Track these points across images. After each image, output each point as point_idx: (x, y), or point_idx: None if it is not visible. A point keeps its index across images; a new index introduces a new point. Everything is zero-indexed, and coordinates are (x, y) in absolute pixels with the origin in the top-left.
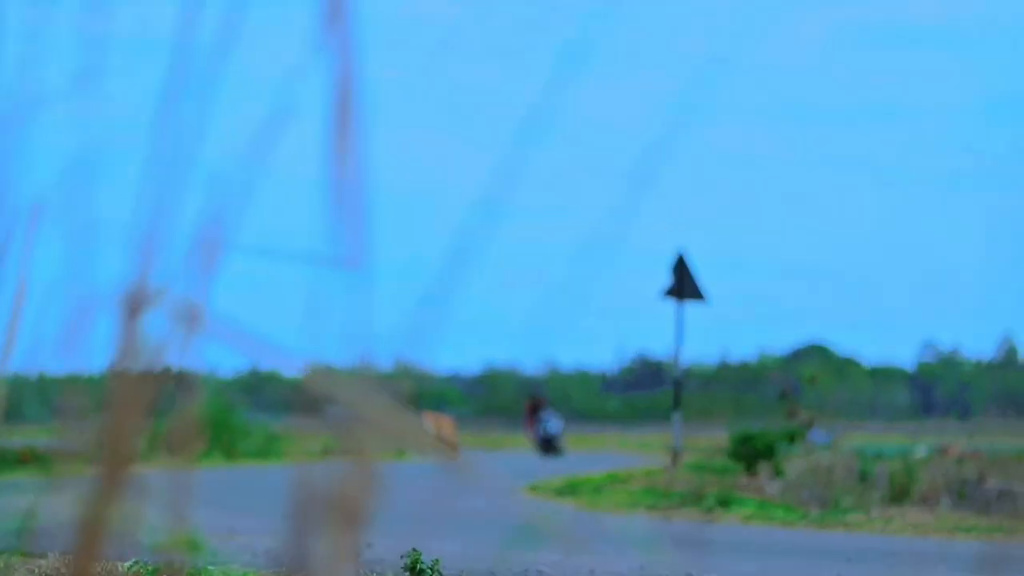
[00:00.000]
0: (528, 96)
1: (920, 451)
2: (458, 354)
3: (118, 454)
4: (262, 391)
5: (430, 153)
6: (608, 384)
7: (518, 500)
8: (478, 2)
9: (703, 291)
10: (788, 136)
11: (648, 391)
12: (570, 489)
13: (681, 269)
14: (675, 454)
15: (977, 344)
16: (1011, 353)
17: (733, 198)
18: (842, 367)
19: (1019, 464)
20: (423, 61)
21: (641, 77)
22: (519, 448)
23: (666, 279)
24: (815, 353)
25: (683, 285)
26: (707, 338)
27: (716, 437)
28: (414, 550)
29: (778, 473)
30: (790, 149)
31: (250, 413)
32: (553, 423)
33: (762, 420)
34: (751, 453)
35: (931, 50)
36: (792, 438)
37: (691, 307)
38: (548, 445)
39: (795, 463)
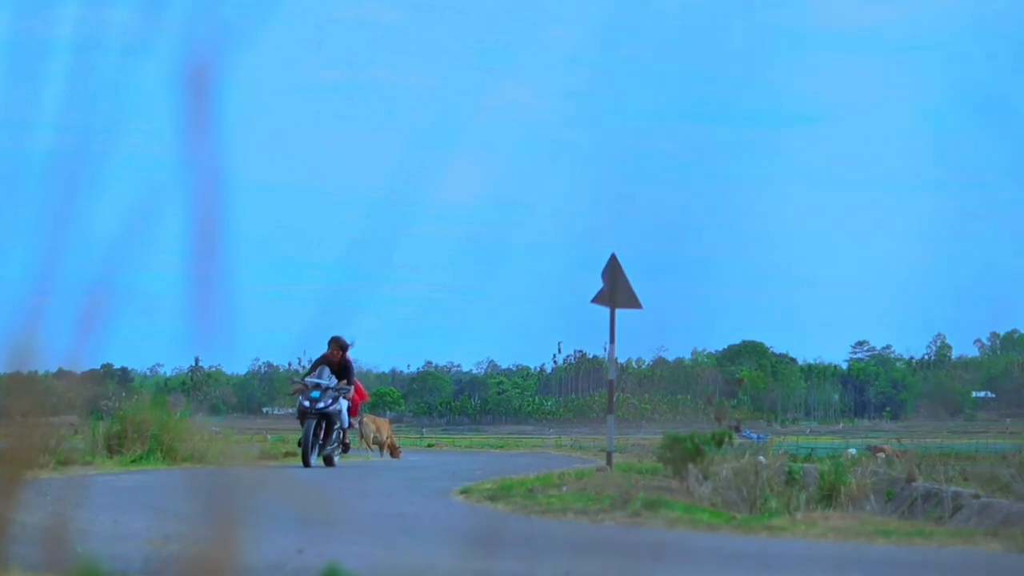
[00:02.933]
0: (461, 97)
1: (851, 451)
2: (397, 353)
3: (15, 458)
4: (204, 390)
5: (362, 153)
6: (546, 384)
7: (449, 504)
8: (414, 6)
9: (636, 297)
10: (724, 140)
11: (586, 391)
12: (502, 492)
13: (614, 274)
14: (608, 456)
15: (909, 343)
16: (943, 351)
17: (671, 201)
18: (777, 365)
19: (947, 463)
20: (360, 63)
21: (569, 79)
22: (456, 449)
23: (598, 284)
24: (750, 351)
25: (616, 290)
26: (643, 337)
27: (652, 437)
28: (331, 564)
29: (706, 476)
30: (727, 153)
31: (191, 413)
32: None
33: (696, 419)
34: (679, 455)
35: (864, 55)
36: (720, 441)
37: (625, 311)
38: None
39: (724, 465)
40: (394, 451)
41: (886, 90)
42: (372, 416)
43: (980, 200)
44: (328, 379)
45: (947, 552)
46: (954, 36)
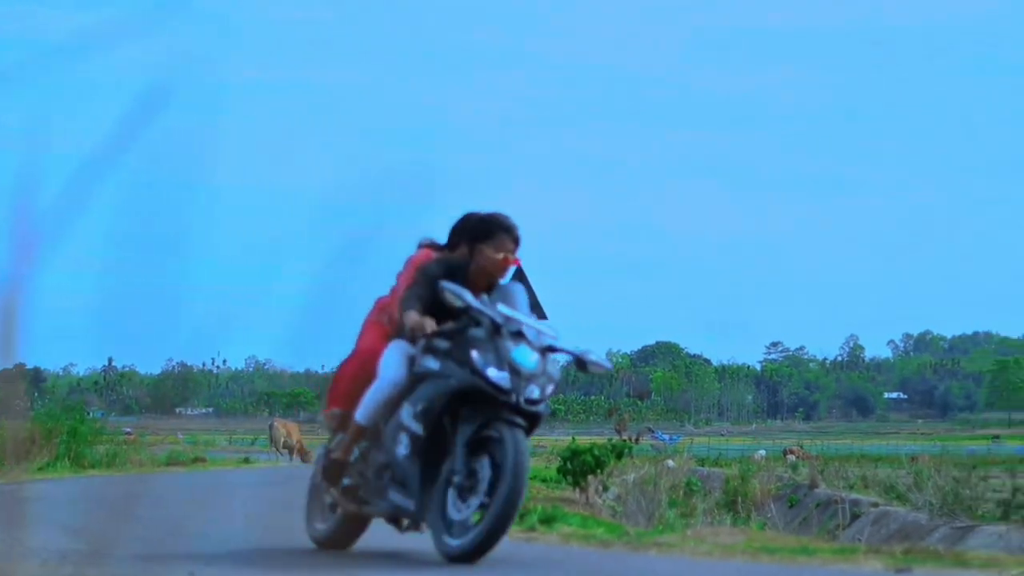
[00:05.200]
0: (396, 97)
1: (761, 452)
2: (309, 353)
3: None
4: (118, 390)
5: (298, 152)
6: None
7: None
8: (348, 6)
9: (540, 306)
10: (641, 139)
11: None
12: None
13: (519, 283)
14: None
15: (823, 344)
16: (856, 352)
17: (590, 199)
18: (691, 366)
19: (854, 467)
20: (292, 63)
21: (503, 79)
22: None
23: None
24: (664, 352)
25: None
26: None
27: (565, 439)
28: None
29: (605, 488)
30: (643, 152)
31: (102, 414)
32: None
33: (609, 422)
34: (579, 468)
35: (788, 58)
36: (620, 454)
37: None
38: None
39: (629, 475)
40: (304, 455)
41: (810, 92)
42: (282, 419)
43: (895, 202)
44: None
45: (827, 572)
46: (840, 40)
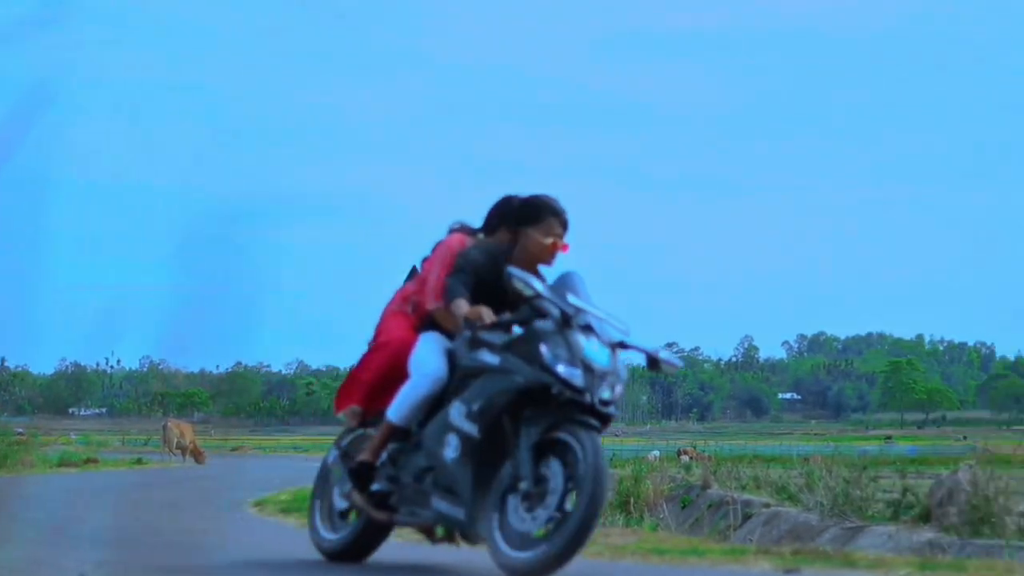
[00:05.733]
0: (275, 96)
1: (655, 453)
2: (205, 353)
3: None
4: (10, 390)
5: (175, 150)
6: None
7: (242, 518)
8: (239, 5)
9: None
10: (542, 140)
11: None
12: (297, 504)
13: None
14: None
15: (717, 344)
16: (750, 353)
17: (487, 200)
18: None
19: (746, 467)
20: (178, 64)
21: (402, 81)
22: (261, 453)
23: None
24: None
25: None
26: None
27: None
28: None
29: None
30: (542, 152)
31: None
32: None
33: None
34: None
35: (684, 60)
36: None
37: None
38: None
39: None
40: (198, 456)
41: (709, 93)
42: (176, 420)
43: (791, 203)
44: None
45: (717, 573)
46: (752, 43)
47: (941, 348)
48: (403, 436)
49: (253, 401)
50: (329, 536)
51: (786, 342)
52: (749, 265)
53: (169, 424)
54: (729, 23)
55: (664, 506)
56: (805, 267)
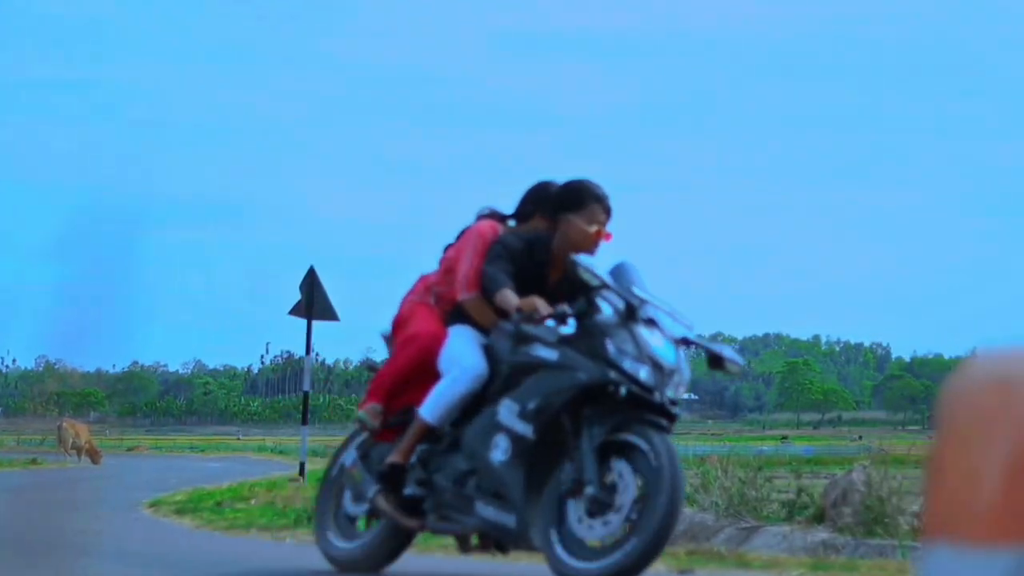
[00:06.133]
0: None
1: None
2: (102, 352)
3: None
4: None
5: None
6: (252, 384)
7: (136, 519)
8: (134, 2)
9: (333, 309)
10: (440, 141)
11: (293, 392)
12: (192, 505)
13: (311, 286)
14: (301, 467)
15: None
16: None
17: (387, 200)
18: None
19: None
20: (73, 59)
21: (304, 80)
22: (157, 453)
23: (296, 295)
24: None
25: (312, 302)
26: (351, 338)
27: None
28: None
29: None
30: (440, 153)
31: None
32: None
33: None
34: None
35: (584, 60)
36: None
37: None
38: None
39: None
40: (94, 456)
41: (602, 93)
42: (71, 420)
43: (688, 202)
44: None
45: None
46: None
47: (837, 349)
48: (433, 437)
49: (149, 401)
50: (342, 544)
51: None
52: (645, 264)
53: (64, 424)
54: (628, 25)
55: None
56: (703, 267)
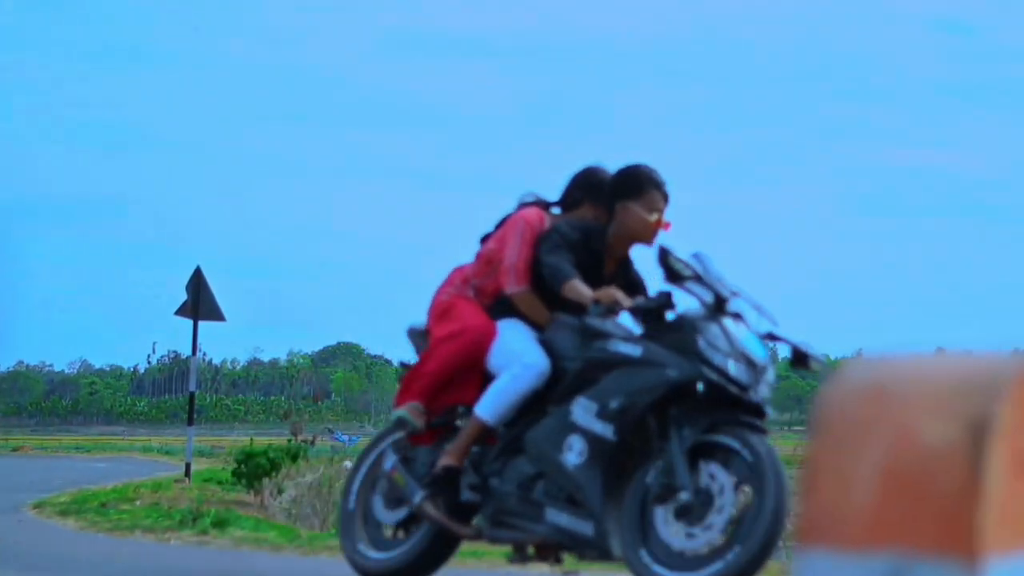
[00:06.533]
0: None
1: None
2: None
3: None
4: None
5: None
6: (138, 384)
7: (20, 521)
8: None
9: (219, 309)
10: (327, 140)
11: (181, 392)
12: (76, 506)
13: (197, 287)
14: (187, 468)
15: None
16: None
17: (265, 201)
18: (372, 366)
19: None
20: None
21: (184, 78)
22: (43, 453)
23: (182, 295)
24: (345, 352)
25: (199, 302)
26: (239, 337)
27: (243, 439)
28: None
29: (280, 491)
30: (328, 153)
31: None
32: None
33: (288, 422)
34: (253, 471)
35: (471, 59)
36: (295, 456)
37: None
38: None
39: (300, 479)
40: None
41: (494, 93)
42: None
43: None
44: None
45: (496, 575)
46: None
47: None
48: (486, 438)
49: (35, 400)
50: (376, 555)
51: None
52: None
53: None
54: (516, 26)
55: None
56: None
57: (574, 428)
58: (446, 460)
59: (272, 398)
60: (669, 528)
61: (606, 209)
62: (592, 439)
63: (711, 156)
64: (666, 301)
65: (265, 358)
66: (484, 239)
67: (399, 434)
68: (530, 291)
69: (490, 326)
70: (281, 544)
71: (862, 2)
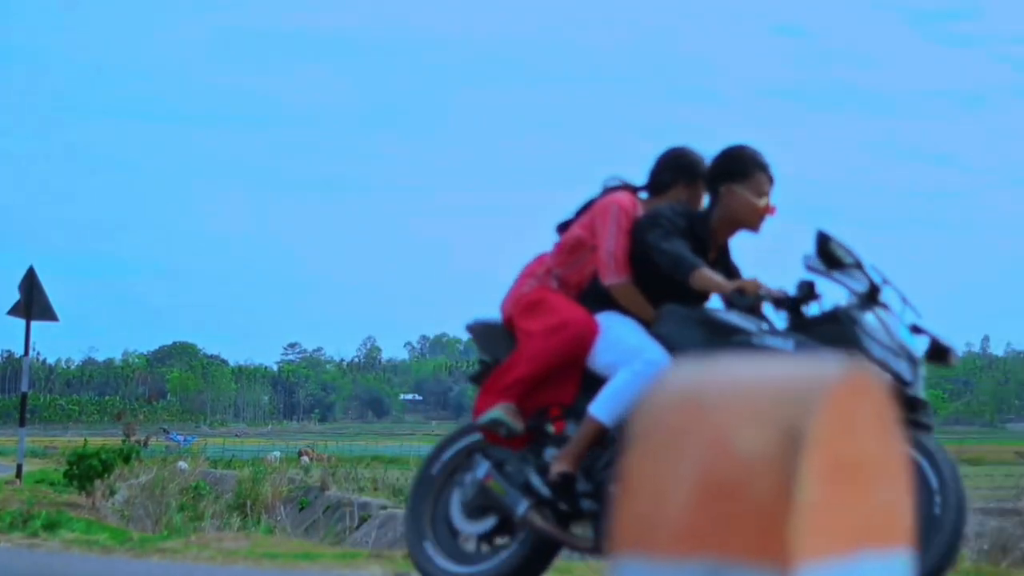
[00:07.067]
0: None
1: (275, 454)
2: None
3: None
4: None
5: None
6: None
7: None
8: None
9: (52, 309)
10: (162, 139)
11: (13, 392)
12: None
13: (30, 287)
14: (18, 469)
15: (341, 345)
16: (373, 354)
17: (102, 199)
18: (208, 366)
19: (364, 467)
20: None
21: (10, 77)
22: None
23: (14, 295)
24: (180, 352)
25: (32, 302)
26: (73, 336)
27: (77, 440)
28: None
29: (113, 491)
30: (164, 152)
31: None
32: None
33: (123, 421)
34: (85, 472)
35: (311, 59)
36: (128, 457)
37: (43, 318)
38: None
39: (133, 480)
40: None
41: (334, 93)
42: None
43: (411, 205)
44: None
45: None
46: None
47: None
48: (607, 440)
49: None
50: (456, 569)
51: (409, 343)
52: (374, 266)
53: None
54: (352, 24)
55: (282, 508)
56: (429, 268)
57: None
58: (561, 466)
59: (107, 398)
60: None
61: (699, 192)
62: None
63: (550, 156)
64: (810, 292)
65: (100, 358)
66: (562, 227)
67: (474, 437)
68: (630, 283)
69: (591, 320)
70: (112, 546)
71: (705, 6)
